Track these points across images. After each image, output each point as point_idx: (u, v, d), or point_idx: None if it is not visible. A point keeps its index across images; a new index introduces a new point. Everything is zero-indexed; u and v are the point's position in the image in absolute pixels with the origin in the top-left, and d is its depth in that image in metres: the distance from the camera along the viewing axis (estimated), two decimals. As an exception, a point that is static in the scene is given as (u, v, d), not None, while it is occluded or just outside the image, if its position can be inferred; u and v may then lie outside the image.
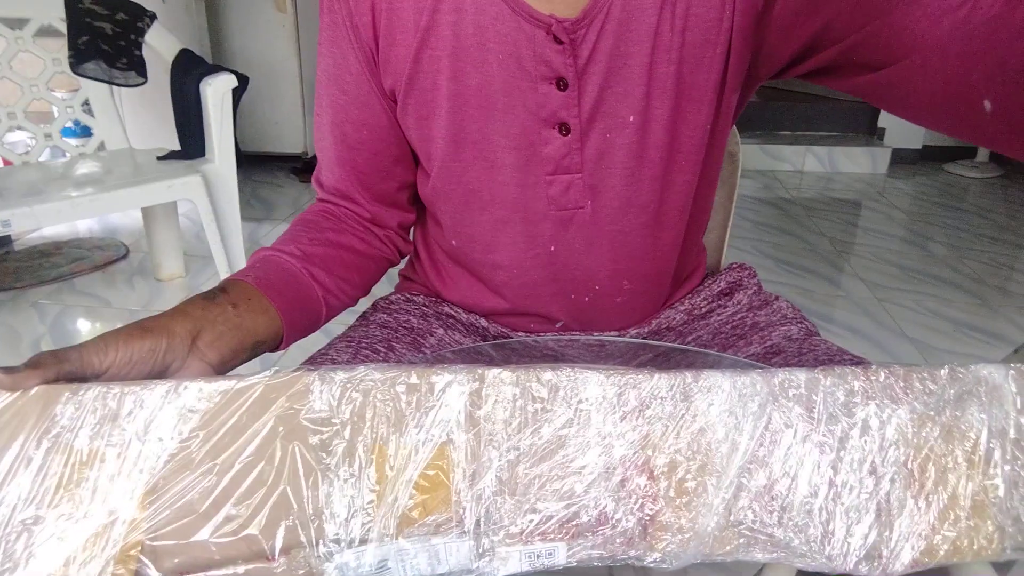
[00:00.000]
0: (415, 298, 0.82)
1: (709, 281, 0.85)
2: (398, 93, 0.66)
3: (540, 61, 0.62)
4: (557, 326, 0.78)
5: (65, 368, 0.44)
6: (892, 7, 0.50)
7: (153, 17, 2.05)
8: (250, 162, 3.32)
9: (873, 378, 0.45)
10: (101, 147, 2.14)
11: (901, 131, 3.75)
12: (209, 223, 1.95)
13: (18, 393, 0.42)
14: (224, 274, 2.03)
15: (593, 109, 0.64)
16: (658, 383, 0.44)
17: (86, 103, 2.09)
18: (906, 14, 0.48)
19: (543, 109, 0.64)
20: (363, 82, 0.67)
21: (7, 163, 2.04)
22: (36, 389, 0.42)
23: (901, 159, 3.78)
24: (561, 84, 0.63)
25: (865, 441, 0.44)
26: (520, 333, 0.80)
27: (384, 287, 0.82)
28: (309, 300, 0.66)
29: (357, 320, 0.81)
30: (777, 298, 0.81)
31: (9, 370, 0.42)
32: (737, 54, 0.63)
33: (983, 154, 3.74)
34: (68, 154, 2.12)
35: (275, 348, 0.62)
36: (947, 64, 0.46)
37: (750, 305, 0.81)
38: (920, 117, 0.52)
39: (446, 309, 0.81)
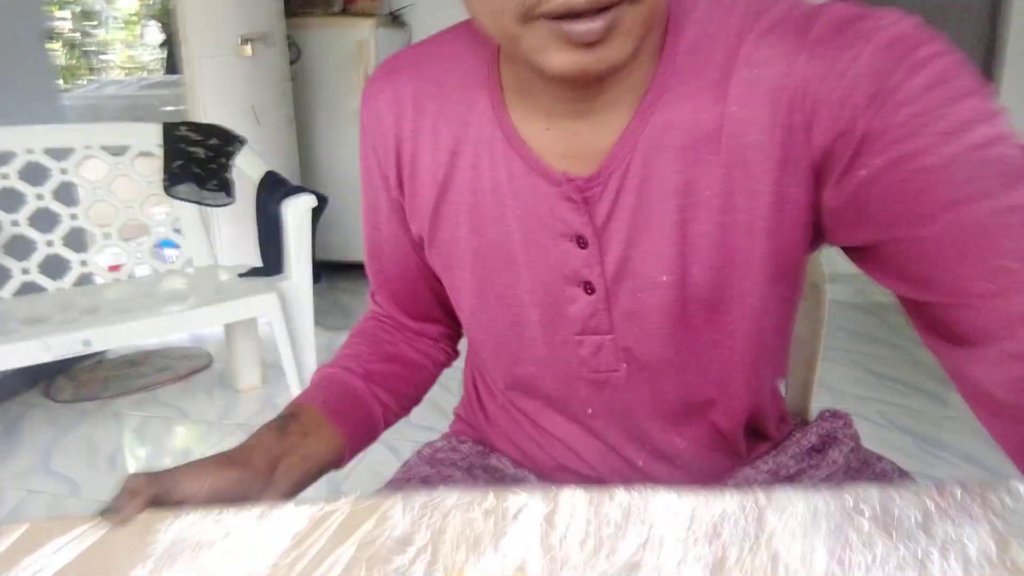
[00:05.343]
0: (461, 446, 0.77)
1: (797, 435, 0.75)
2: (424, 240, 0.67)
3: (556, 218, 0.58)
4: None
5: (157, 492, 0.50)
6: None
7: (243, 142, 2.16)
8: (335, 270, 3.42)
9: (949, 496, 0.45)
10: (188, 263, 2.23)
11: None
12: (283, 341, 1.96)
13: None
14: (295, 387, 2.03)
15: (619, 268, 0.58)
16: (730, 503, 0.45)
17: (177, 221, 2.20)
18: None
19: (565, 266, 0.59)
20: (393, 224, 0.69)
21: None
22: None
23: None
24: (581, 242, 0.58)
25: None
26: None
27: (435, 417, 0.78)
28: (371, 420, 0.70)
29: (400, 471, 0.76)
30: (880, 459, 0.70)
31: (114, 508, 0.48)
32: (791, 230, 0.55)
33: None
34: (157, 271, 2.21)
35: (336, 468, 0.66)
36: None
37: (847, 466, 0.70)
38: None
39: (493, 462, 0.75)
